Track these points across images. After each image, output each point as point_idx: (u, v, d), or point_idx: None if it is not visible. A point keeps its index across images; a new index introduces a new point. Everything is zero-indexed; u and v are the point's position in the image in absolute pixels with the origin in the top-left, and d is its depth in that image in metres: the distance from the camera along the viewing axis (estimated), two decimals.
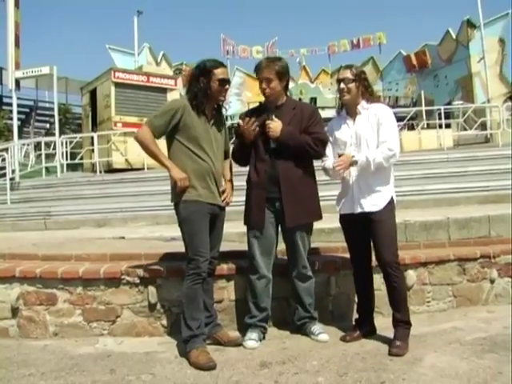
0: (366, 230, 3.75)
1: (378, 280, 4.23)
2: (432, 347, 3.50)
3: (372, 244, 3.77)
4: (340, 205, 3.86)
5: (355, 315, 4.00)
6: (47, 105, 30.82)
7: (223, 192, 3.72)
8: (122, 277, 3.98)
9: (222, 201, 3.69)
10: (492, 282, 4.57)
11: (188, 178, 3.48)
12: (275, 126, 3.68)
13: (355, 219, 3.71)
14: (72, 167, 14.63)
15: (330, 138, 3.87)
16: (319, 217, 3.88)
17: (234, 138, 4.00)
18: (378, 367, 3.16)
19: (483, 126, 13.84)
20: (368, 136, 3.65)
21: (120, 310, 3.99)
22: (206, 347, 3.42)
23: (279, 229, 3.85)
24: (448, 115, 13.95)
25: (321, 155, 3.82)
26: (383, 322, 4.02)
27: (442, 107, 13.11)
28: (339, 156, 3.63)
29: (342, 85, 3.72)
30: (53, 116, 29.09)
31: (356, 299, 4.03)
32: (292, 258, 3.82)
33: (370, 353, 3.43)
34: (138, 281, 3.99)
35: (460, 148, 12.17)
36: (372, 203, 3.65)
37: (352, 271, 3.96)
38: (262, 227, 3.71)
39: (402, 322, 3.60)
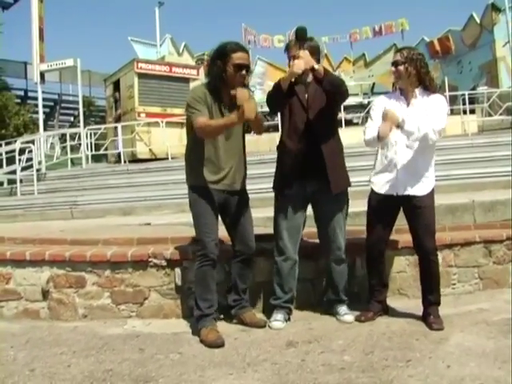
0: (395, 213, 3.78)
1: (403, 262, 4.28)
2: (458, 327, 3.50)
3: (410, 229, 3.76)
4: (379, 183, 3.77)
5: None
6: (71, 98, 31.18)
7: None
8: (150, 259, 4.05)
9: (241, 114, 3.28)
10: None
11: (201, 163, 3.54)
12: (308, 57, 3.45)
13: (394, 201, 3.69)
14: (96, 158, 14.79)
15: (375, 115, 3.77)
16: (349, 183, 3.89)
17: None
18: (404, 346, 3.18)
19: (509, 111, 13.61)
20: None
21: (147, 293, 4.06)
22: (215, 326, 3.50)
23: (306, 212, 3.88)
24: (472, 101, 13.75)
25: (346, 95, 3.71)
26: (407, 304, 4.08)
27: (466, 92, 12.90)
28: (384, 116, 3.53)
29: (393, 68, 3.68)
30: (77, 109, 29.54)
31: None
32: (327, 240, 3.80)
33: (396, 333, 3.45)
34: (164, 263, 4.05)
35: (485, 134, 12.00)
36: (418, 187, 3.64)
37: (366, 253, 3.95)
38: (295, 205, 3.73)
39: (434, 304, 3.66)
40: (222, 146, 3.57)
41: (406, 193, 3.65)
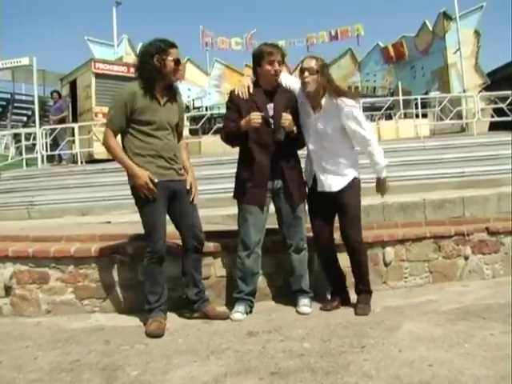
0: (329, 205, 3.93)
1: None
2: (409, 317, 3.70)
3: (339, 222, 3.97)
4: (307, 177, 4.04)
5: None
6: (24, 97, 30.42)
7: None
8: (113, 255, 4.12)
9: (191, 200, 3.81)
10: (466, 258, 4.80)
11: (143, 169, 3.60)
12: (291, 120, 3.77)
13: (320, 194, 3.91)
14: (50, 159, 14.50)
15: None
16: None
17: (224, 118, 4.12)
18: (359, 334, 3.35)
19: (459, 116, 14.10)
20: (331, 132, 3.82)
21: (111, 288, 4.13)
22: (161, 317, 3.63)
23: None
24: (425, 105, 14.21)
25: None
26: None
27: (419, 97, 13.32)
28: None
29: (306, 74, 3.76)
30: (30, 109, 28.87)
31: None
32: (291, 231, 3.97)
33: (352, 322, 3.63)
34: (127, 259, 4.13)
35: (436, 137, 12.42)
36: (330, 184, 3.86)
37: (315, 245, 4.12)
38: (263, 204, 3.87)
39: (364, 291, 3.94)
40: (168, 137, 3.72)
41: (322, 189, 3.89)
